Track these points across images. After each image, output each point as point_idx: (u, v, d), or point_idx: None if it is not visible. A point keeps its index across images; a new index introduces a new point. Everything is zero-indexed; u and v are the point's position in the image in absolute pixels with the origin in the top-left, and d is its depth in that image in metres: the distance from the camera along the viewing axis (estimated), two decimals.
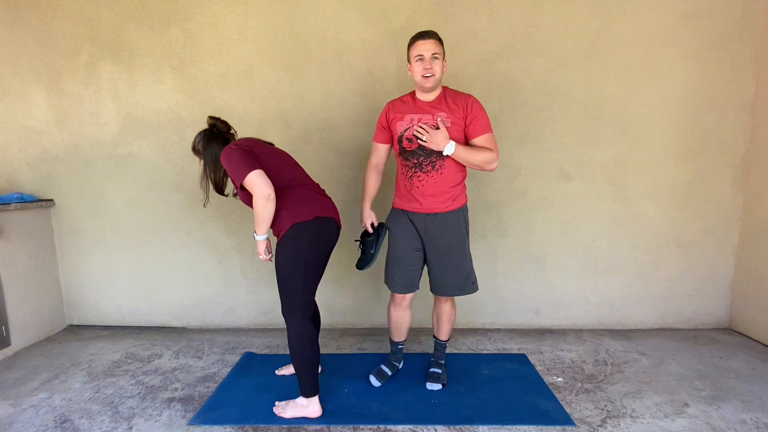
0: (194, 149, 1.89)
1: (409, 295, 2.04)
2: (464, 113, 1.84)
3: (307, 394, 1.82)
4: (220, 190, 1.92)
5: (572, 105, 2.59)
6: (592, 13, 2.51)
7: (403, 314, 2.08)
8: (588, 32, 2.53)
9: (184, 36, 2.64)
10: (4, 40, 2.70)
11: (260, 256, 1.86)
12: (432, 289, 2.01)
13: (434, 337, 2.18)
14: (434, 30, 1.85)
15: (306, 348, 1.78)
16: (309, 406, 1.83)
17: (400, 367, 2.21)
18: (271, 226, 1.78)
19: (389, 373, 2.14)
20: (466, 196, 1.98)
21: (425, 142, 1.78)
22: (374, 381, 2.08)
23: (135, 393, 2.08)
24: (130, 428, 1.80)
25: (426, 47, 1.79)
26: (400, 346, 2.17)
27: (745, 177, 2.62)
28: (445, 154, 1.79)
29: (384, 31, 2.56)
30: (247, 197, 1.79)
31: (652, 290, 2.74)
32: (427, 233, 1.92)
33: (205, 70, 2.66)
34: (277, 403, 1.91)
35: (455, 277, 1.96)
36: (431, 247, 1.94)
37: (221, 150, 1.79)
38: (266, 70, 2.64)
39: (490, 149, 1.85)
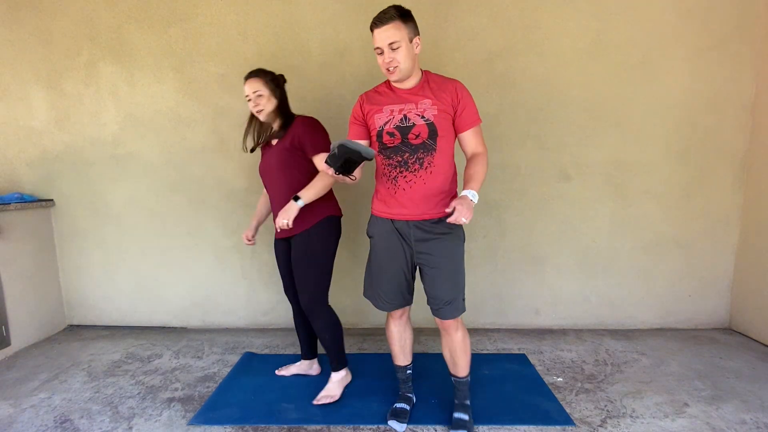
0: (268, 77, 1.88)
1: (406, 308, 1.80)
2: (452, 100, 1.60)
3: (344, 364, 2.02)
4: (262, 134, 1.95)
5: (572, 105, 2.59)
6: (592, 13, 2.51)
7: (405, 328, 1.83)
8: (588, 32, 2.53)
9: (184, 36, 2.64)
10: (4, 40, 2.71)
11: (285, 220, 1.73)
12: (431, 310, 1.71)
13: (451, 375, 1.79)
14: (420, 15, 1.61)
15: (339, 327, 1.97)
16: (347, 375, 2.05)
17: (414, 399, 1.94)
18: (299, 213, 1.80)
19: (408, 408, 1.85)
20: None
21: (466, 221, 1.42)
22: (397, 426, 1.76)
23: (135, 393, 2.08)
24: (130, 428, 1.81)
25: (381, 36, 1.52)
26: (408, 371, 1.89)
27: (745, 177, 2.62)
28: (475, 201, 1.50)
29: None
30: (285, 158, 1.84)
31: (652, 290, 2.74)
32: (417, 243, 1.64)
33: (205, 70, 2.66)
34: (319, 397, 1.94)
35: (450, 292, 1.65)
36: (421, 256, 1.65)
37: (284, 91, 1.93)
38: None
39: (480, 152, 1.63)
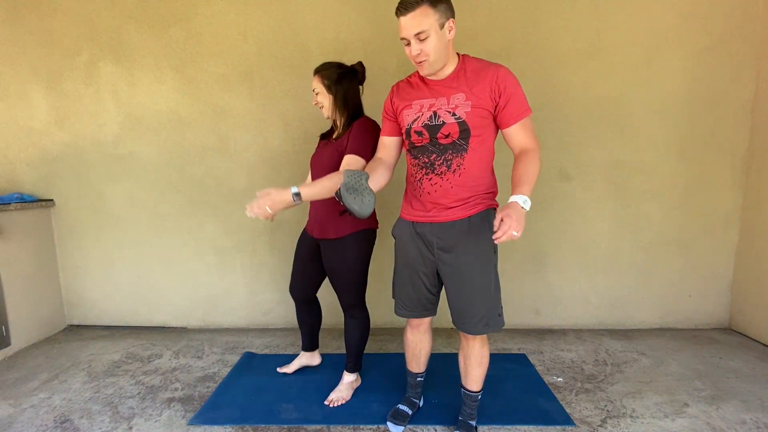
0: (326, 73, 1.82)
1: (425, 319, 1.70)
2: (491, 93, 1.38)
3: (359, 368, 2.06)
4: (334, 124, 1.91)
5: (572, 105, 2.59)
6: (592, 13, 2.51)
7: (422, 338, 1.74)
8: (588, 32, 2.53)
9: (184, 36, 2.64)
10: (4, 40, 2.71)
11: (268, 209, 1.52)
12: (453, 322, 1.58)
13: (462, 387, 1.69)
14: None
15: (368, 330, 2.01)
16: (357, 379, 2.08)
17: (421, 404, 1.90)
18: (334, 218, 1.84)
19: (409, 412, 1.80)
20: (494, 199, 1.54)
21: (517, 236, 1.21)
22: (393, 428, 1.74)
23: (135, 393, 2.08)
24: (130, 428, 1.80)
25: (406, 26, 1.33)
26: (419, 379, 1.83)
27: (745, 177, 2.62)
28: (527, 208, 1.28)
29: (384, 31, 2.56)
30: (338, 159, 1.77)
31: (652, 290, 2.74)
32: (440, 252, 1.51)
33: (205, 70, 2.66)
34: (331, 398, 1.94)
35: (480, 308, 1.49)
36: (445, 267, 1.51)
37: (350, 87, 1.84)
38: (266, 70, 2.64)
39: (529, 148, 1.39)
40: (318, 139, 2.04)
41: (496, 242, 1.22)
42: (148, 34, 2.65)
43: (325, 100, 1.83)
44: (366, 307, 2.00)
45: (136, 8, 2.63)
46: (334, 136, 1.88)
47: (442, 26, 1.34)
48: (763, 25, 2.49)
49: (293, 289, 2.11)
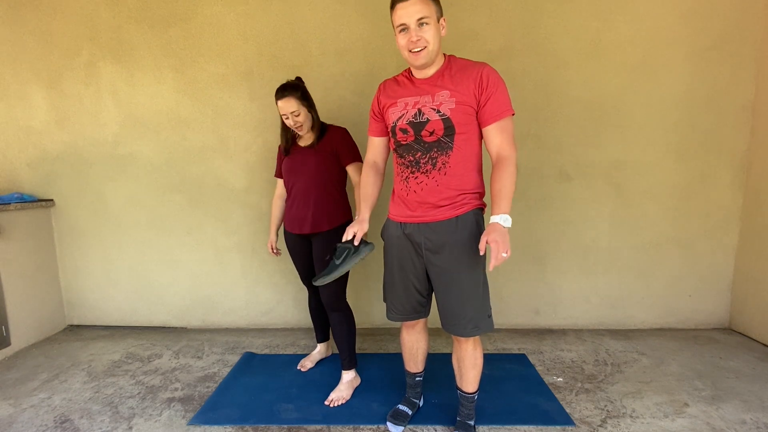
0: (299, 93, 1.88)
1: (420, 320, 1.70)
2: (475, 90, 1.39)
3: (355, 363, 2.06)
4: (289, 138, 2.02)
5: (572, 105, 2.59)
6: (592, 13, 2.51)
7: (418, 338, 1.74)
8: (588, 32, 2.53)
9: (184, 36, 2.64)
10: (4, 40, 2.71)
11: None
12: (442, 325, 1.57)
13: (458, 388, 1.69)
14: None
15: (353, 323, 2.05)
16: (356, 377, 2.08)
17: (421, 404, 1.90)
18: (326, 213, 1.95)
19: (409, 412, 1.80)
20: (482, 200, 1.54)
21: (507, 257, 1.26)
22: (393, 428, 1.73)
23: (135, 393, 2.08)
24: (130, 428, 1.81)
25: (408, 11, 1.33)
26: (418, 378, 1.82)
27: (745, 177, 2.62)
28: (509, 226, 1.33)
29: (384, 31, 2.56)
30: (323, 162, 1.93)
31: (652, 290, 2.74)
32: (429, 254, 1.50)
33: (205, 70, 2.66)
34: (331, 398, 1.94)
35: (468, 310, 1.48)
36: (433, 269, 1.51)
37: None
38: (266, 70, 2.64)
39: (505, 156, 1.40)
40: (279, 149, 2.13)
41: (490, 269, 1.27)
42: (148, 34, 2.65)
43: (307, 121, 1.92)
44: (346, 300, 2.05)
45: (136, 8, 2.63)
46: (311, 144, 1.96)
47: (438, 20, 1.39)
48: (763, 25, 2.49)
49: (304, 281, 2.20)
